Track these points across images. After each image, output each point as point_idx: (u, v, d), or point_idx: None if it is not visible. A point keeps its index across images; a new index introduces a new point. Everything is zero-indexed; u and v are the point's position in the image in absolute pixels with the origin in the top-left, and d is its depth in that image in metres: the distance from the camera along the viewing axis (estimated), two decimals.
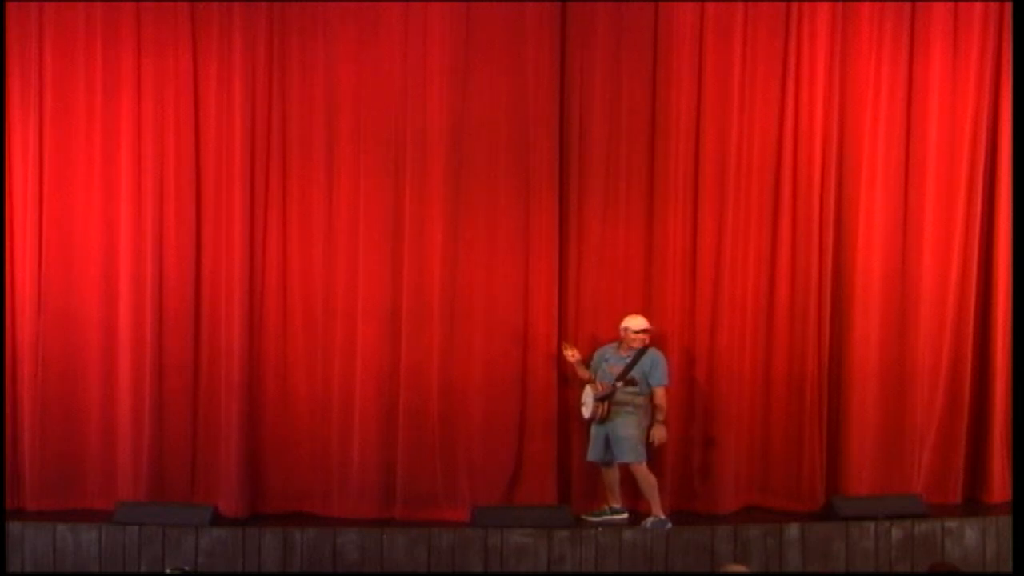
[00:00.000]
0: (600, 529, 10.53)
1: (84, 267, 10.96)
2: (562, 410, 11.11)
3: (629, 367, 10.66)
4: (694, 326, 11.17)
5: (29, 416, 10.92)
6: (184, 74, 10.91)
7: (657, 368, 10.71)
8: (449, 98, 10.96)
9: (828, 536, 10.61)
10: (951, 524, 10.71)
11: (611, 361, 10.77)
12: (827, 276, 11.21)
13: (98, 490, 10.96)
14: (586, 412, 10.73)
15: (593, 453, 10.81)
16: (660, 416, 10.66)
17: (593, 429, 10.76)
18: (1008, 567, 10.14)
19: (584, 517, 10.78)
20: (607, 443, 10.72)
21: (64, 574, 10.29)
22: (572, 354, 10.84)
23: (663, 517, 10.64)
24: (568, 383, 11.08)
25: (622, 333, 10.78)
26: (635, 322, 10.76)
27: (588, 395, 10.73)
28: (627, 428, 10.65)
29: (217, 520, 10.56)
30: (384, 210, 10.99)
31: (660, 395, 10.69)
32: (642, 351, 10.71)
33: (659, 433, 10.65)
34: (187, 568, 9.67)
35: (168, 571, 9.48)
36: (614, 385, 10.61)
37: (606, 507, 10.87)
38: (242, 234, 10.91)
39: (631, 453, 10.65)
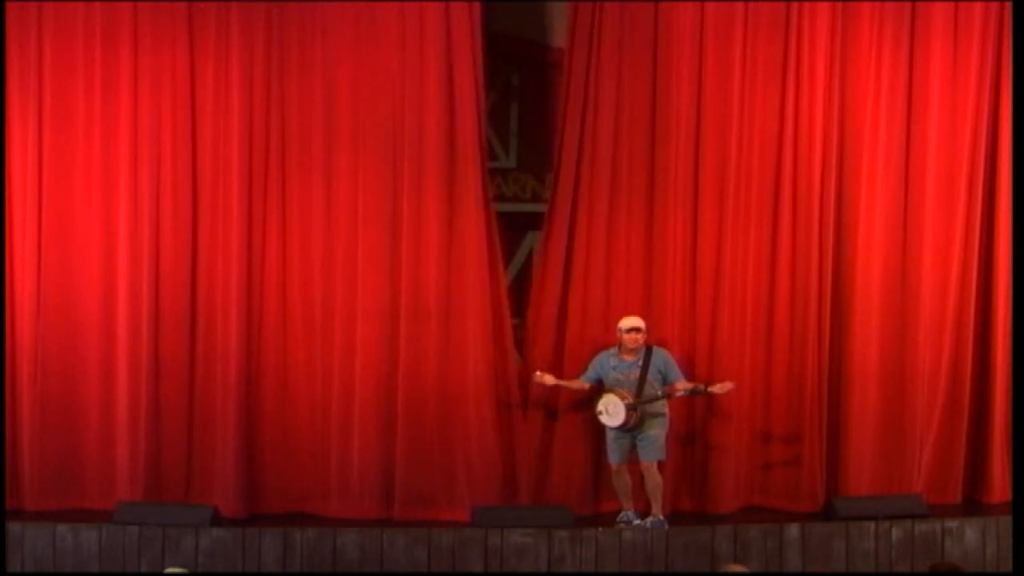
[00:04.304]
0: (600, 529, 10.52)
1: (83, 267, 10.95)
2: (562, 410, 11.10)
3: (644, 371, 10.62)
4: (694, 326, 11.17)
5: (28, 416, 10.92)
6: (182, 73, 10.90)
7: (671, 365, 10.71)
8: (447, 97, 10.93)
9: (828, 536, 10.61)
10: (951, 524, 10.71)
11: (619, 368, 10.71)
12: (827, 276, 11.22)
13: (98, 490, 10.95)
14: (613, 421, 10.58)
15: (618, 456, 10.71)
16: (702, 387, 10.64)
17: (614, 432, 10.72)
18: (1008, 567, 10.14)
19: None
20: (631, 444, 10.68)
21: (64, 574, 10.29)
22: (547, 379, 10.80)
23: (662, 517, 10.63)
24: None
25: (617, 335, 10.76)
26: (625, 322, 10.72)
27: (612, 404, 10.57)
28: (657, 428, 10.64)
29: (217, 520, 10.55)
30: (382, 209, 10.96)
31: (684, 385, 10.69)
32: (648, 352, 10.69)
33: (724, 385, 10.66)
34: (183, 569, 9.65)
35: (165, 571, 9.46)
36: (641, 399, 10.53)
37: (632, 511, 10.79)
38: (240, 233, 10.90)
39: (656, 451, 10.63)
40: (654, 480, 10.67)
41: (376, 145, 10.96)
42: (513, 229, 13.34)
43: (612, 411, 10.59)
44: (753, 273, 11.19)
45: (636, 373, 10.62)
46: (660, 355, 10.72)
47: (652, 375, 10.64)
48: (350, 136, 10.98)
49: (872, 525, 10.63)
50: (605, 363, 10.77)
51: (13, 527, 10.34)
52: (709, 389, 10.64)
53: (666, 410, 10.70)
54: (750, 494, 11.26)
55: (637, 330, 10.66)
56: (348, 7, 10.97)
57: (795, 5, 11.16)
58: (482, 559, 10.34)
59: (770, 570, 10.45)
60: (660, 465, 10.74)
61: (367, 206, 10.96)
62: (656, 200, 11.11)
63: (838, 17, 11.16)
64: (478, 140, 10.96)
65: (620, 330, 10.71)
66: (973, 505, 11.35)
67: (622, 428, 10.59)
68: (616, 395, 10.58)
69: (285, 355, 11.04)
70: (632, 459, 10.73)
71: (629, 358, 10.69)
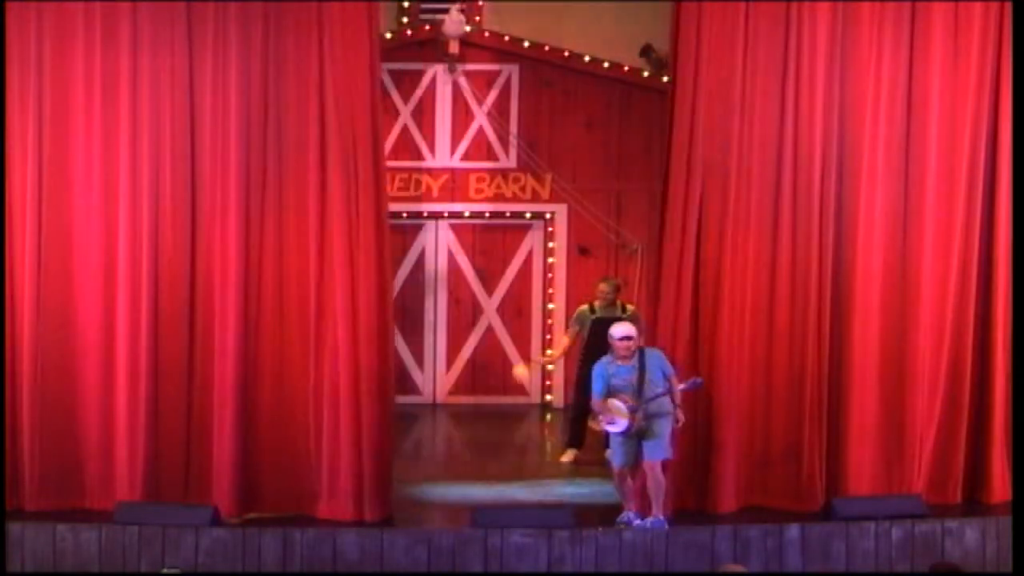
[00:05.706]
0: (600, 529, 10.52)
1: (82, 267, 10.93)
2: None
3: (642, 372, 10.61)
4: (694, 326, 11.15)
5: (28, 416, 10.90)
6: (180, 74, 10.88)
7: (667, 362, 10.70)
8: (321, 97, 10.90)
9: (828, 536, 10.60)
10: (951, 524, 10.71)
11: (618, 374, 10.65)
12: (827, 276, 11.20)
13: (98, 490, 10.94)
14: (617, 428, 10.58)
15: (622, 459, 10.70)
16: (697, 380, 10.72)
17: (619, 436, 10.69)
18: (1008, 567, 10.14)
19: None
20: (638, 446, 10.66)
21: (64, 574, 10.29)
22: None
23: (663, 518, 10.64)
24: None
25: (610, 342, 10.75)
26: (616, 330, 10.73)
27: (614, 410, 10.56)
28: (664, 428, 10.64)
29: (217, 520, 10.54)
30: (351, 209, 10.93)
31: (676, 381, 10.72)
32: (641, 353, 10.68)
33: (680, 415, 10.65)
34: (178, 569, 9.66)
35: (160, 571, 9.47)
36: (640, 400, 10.52)
37: (633, 511, 10.80)
38: (237, 232, 10.87)
39: (663, 451, 10.63)
40: (657, 480, 10.65)
41: (346, 145, 10.94)
42: (514, 229, 13.39)
43: (615, 418, 10.58)
44: (753, 273, 11.17)
45: (635, 376, 10.61)
46: (655, 355, 10.72)
47: (652, 374, 10.63)
48: (336, 135, 10.94)
49: (872, 525, 10.63)
50: (605, 372, 10.73)
51: (13, 527, 10.34)
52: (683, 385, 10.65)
53: (671, 408, 10.69)
54: (750, 494, 11.25)
55: (629, 338, 10.66)
56: (345, 5, 10.95)
57: (795, 5, 11.14)
58: (482, 559, 10.33)
59: (770, 570, 10.45)
60: (663, 465, 10.74)
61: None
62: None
63: (838, 17, 11.14)
64: (372, 139, 10.87)
65: (612, 338, 10.70)
66: (973, 505, 11.34)
67: (626, 433, 10.59)
68: (616, 400, 10.58)
69: (282, 355, 11.01)
70: (635, 461, 10.73)
71: (625, 364, 10.68)
